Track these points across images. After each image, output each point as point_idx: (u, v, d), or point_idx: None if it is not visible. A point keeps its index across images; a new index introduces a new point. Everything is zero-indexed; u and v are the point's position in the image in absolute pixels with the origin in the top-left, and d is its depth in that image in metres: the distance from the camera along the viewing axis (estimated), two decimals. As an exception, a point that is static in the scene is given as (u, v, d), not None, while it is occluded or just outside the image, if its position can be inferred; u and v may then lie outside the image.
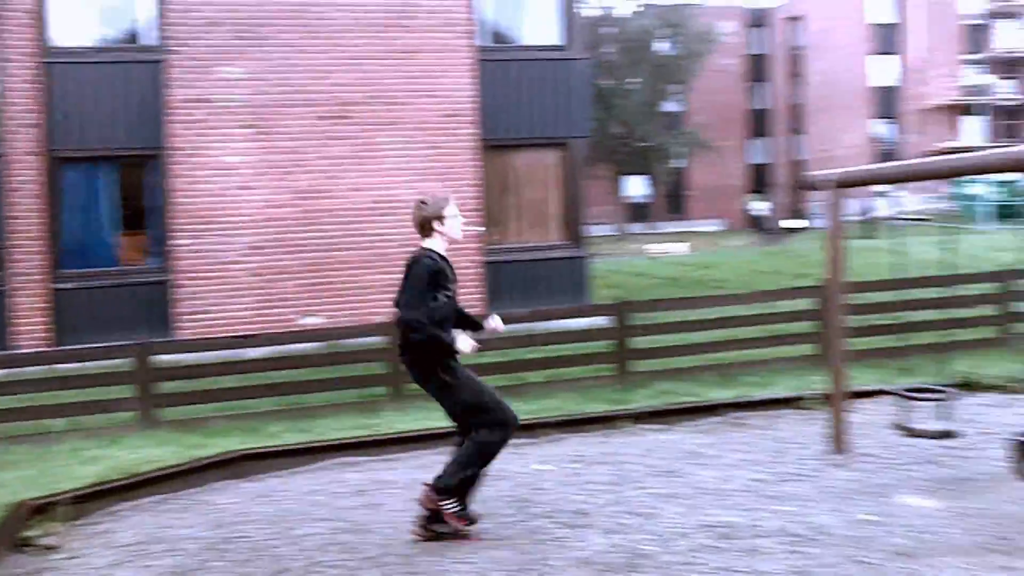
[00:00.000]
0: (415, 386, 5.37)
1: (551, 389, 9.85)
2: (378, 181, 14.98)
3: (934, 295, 10.87)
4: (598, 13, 47.75)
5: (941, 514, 5.43)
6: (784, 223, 57.69)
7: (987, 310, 11.48)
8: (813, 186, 6.62)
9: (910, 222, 48.84)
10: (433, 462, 6.30)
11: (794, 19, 58.46)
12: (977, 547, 4.88)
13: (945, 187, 49.74)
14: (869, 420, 7.52)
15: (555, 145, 16.13)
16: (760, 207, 47.69)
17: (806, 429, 7.65)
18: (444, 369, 5.13)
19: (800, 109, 58.15)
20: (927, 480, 6.11)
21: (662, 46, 49.06)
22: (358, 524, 5.74)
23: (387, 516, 5.86)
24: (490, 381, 5.81)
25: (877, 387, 8.43)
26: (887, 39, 52.53)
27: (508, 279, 15.54)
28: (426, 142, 15.21)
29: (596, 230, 46.00)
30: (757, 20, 60.92)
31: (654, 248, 38.68)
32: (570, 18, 16.14)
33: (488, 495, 5.80)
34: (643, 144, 48.09)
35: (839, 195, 6.39)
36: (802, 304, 11.09)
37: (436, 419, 6.82)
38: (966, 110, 52.28)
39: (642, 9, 48.26)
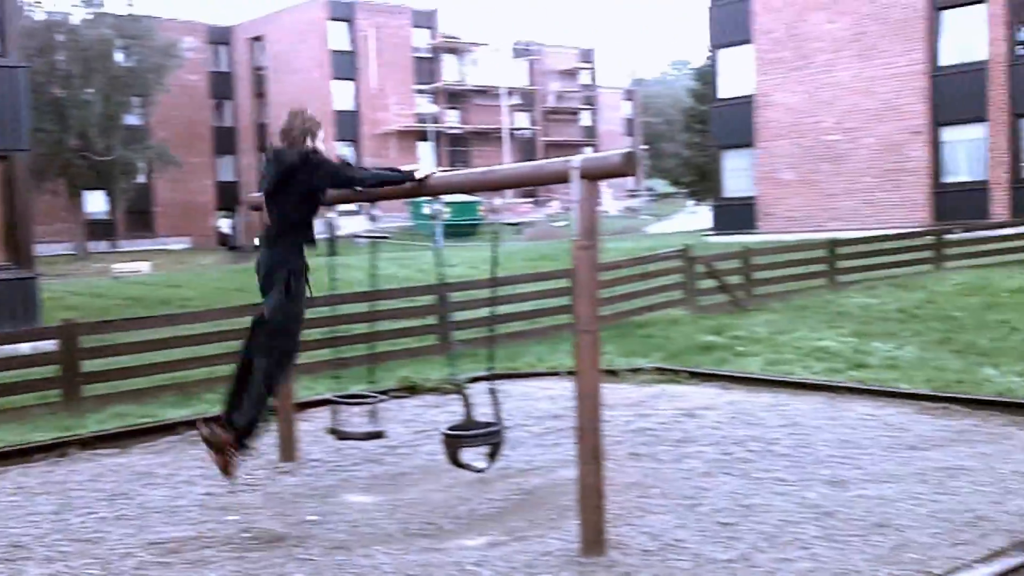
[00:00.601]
0: None
1: (-7, 421, 9.13)
2: None
3: (388, 307, 11.71)
4: (45, 19, 44.63)
5: (378, 508, 5.93)
6: (256, 240, 58.17)
7: (430, 320, 12.60)
8: (253, 206, 6.88)
9: (372, 240, 51.86)
10: None
11: (256, 39, 59.16)
12: (406, 534, 5.42)
13: (405, 207, 53.37)
14: (317, 428, 7.94)
15: (-6, 158, 14.87)
16: (228, 225, 47.59)
17: (260, 441, 7.87)
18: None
19: (265, 128, 58.93)
20: (367, 478, 6.62)
21: (120, 58, 47.05)
22: None
23: None
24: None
25: (326, 396, 8.90)
26: (345, 65, 55.11)
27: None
28: None
29: (52, 249, 43.11)
30: (220, 38, 60.72)
31: (120, 267, 37.02)
32: (5, 23, 14.96)
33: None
34: (103, 158, 45.70)
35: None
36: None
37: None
38: (421, 136, 56.51)
39: (91, 17, 45.78)
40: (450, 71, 60.81)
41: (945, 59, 27.15)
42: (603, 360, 10.99)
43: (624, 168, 4.72)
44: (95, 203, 52.52)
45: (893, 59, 27.55)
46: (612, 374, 9.90)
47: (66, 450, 7.78)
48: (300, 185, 5.59)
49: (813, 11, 29.23)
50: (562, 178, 4.89)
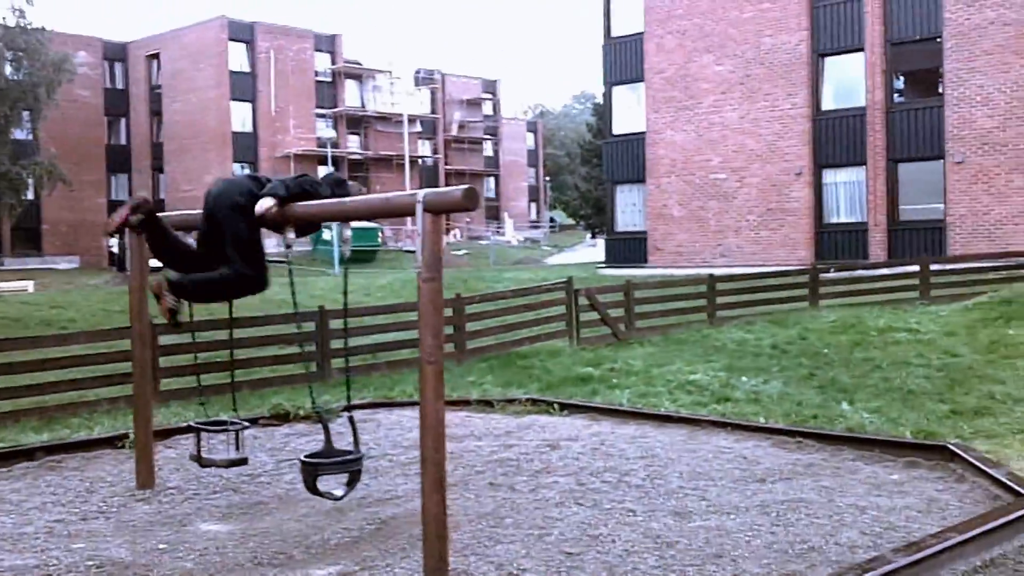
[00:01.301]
0: None
1: None
2: None
3: (269, 332, 11.61)
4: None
5: (231, 536, 5.90)
6: (152, 263, 56.91)
7: (310, 347, 12.55)
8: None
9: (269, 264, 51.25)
10: None
11: (153, 56, 58.15)
12: (256, 563, 5.41)
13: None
14: (181, 455, 7.86)
15: None
16: (117, 244, 46.45)
17: (121, 468, 7.76)
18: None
19: (161, 148, 57.86)
20: (224, 506, 6.58)
21: (8, 70, 45.68)
22: None
23: None
24: None
25: (188, 423, 8.81)
26: (243, 86, 54.50)
27: None
28: None
29: (-72, 266, 41.44)
30: (116, 54, 59.49)
31: (2, 286, 35.81)
32: None
33: None
34: (-9, 173, 44.19)
35: (143, 240, 6.65)
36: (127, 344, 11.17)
37: None
38: (321, 160, 56.13)
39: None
40: (352, 96, 60.64)
41: (827, 103, 28.23)
42: (479, 390, 11.16)
43: (464, 203, 4.86)
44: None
45: (777, 102, 28.52)
46: (487, 404, 10.03)
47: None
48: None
49: (702, 53, 30.08)
50: (409, 211, 5.00)
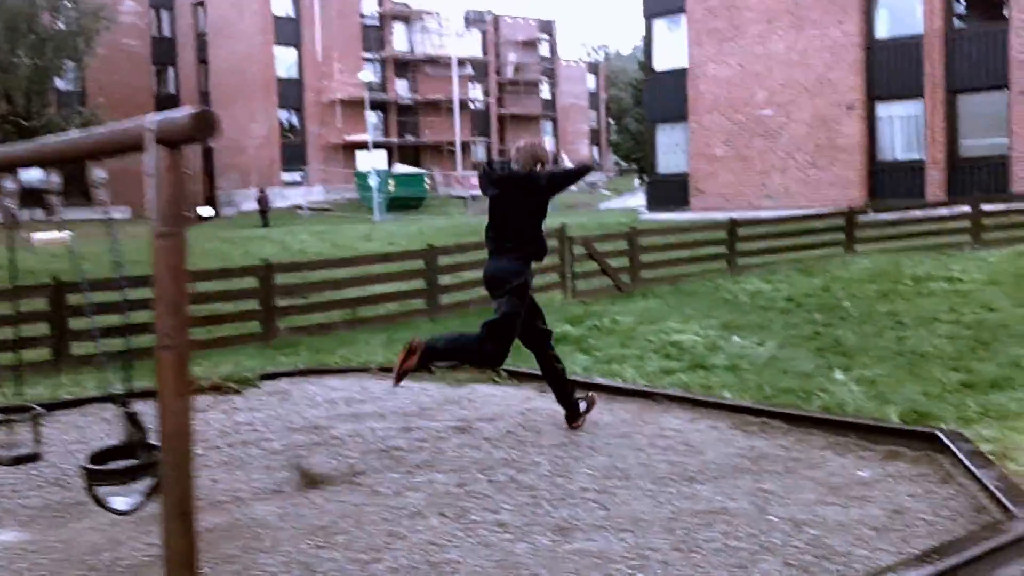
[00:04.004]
0: None
1: None
2: None
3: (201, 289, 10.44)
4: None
5: (5, 550, 4.77)
6: (200, 211, 56.56)
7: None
8: None
9: (315, 212, 50.46)
10: None
11: (199, 3, 57.29)
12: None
13: (352, 178, 51.98)
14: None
15: None
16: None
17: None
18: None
19: (208, 96, 57.19)
20: (38, 507, 5.46)
21: (50, 20, 45.20)
22: None
23: None
24: None
25: None
26: (288, 31, 53.40)
27: None
28: None
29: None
30: (162, 2, 58.83)
31: (41, 237, 35.40)
32: None
33: None
34: (32, 123, 43.92)
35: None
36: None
37: None
38: (369, 105, 54.96)
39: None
40: (399, 40, 59.16)
41: (881, 31, 26.04)
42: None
43: (191, 132, 3.51)
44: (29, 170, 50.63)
45: (827, 30, 26.40)
46: (430, 372, 8.74)
47: None
48: (530, 201, 6.21)
49: (746, -22, 28.02)
50: (138, 144, 3.67)
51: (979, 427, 6.17)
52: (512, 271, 6.20)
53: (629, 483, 5.39)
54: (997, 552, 4.10)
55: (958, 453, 5.41)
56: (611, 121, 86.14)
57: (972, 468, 5.14)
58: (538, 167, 6.27)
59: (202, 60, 57.73)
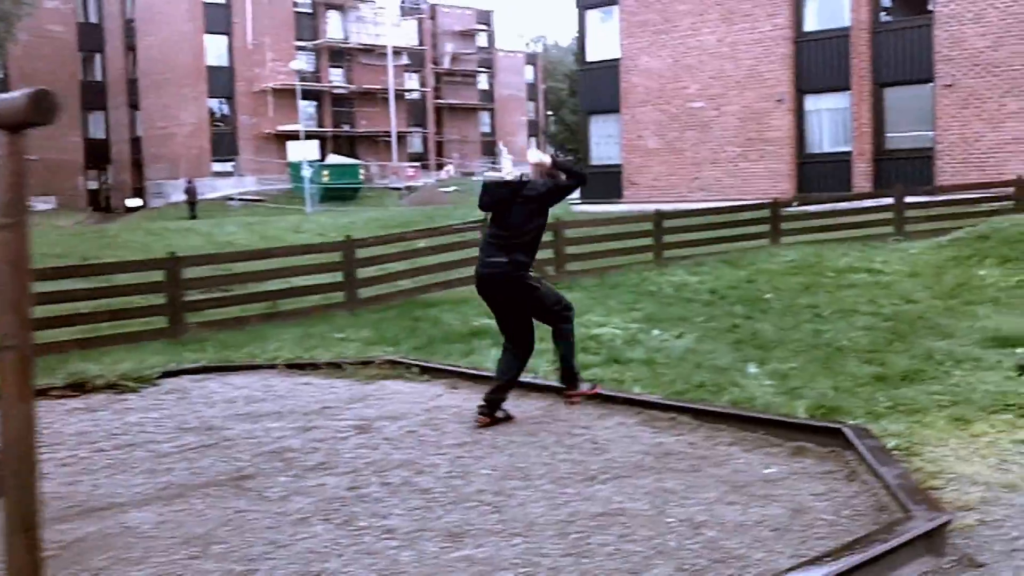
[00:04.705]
0: None
1: None
2: None
3: (105, 284, 10.07)
4: None
5: None
6: (128, 202, 55.38)
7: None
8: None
9: (246, 203, 49.63)
10: None
11: (126, -10, 56.05)
12: None
13: (285, 169, 51.21)
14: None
15: None
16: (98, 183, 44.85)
17: None
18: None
19: (136, 83, 55.98)
20: None
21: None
22: None
23: None
24: None
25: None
26: (219, 18, 52.39)
27: None
28: None
29: None
30: (89, -13, 57.49)
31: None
32: None
33: None
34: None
35: None
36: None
37: None
38: (302, 95, 54.18)
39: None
40: (334, 28, 58.39)
41: (809, 24, 26.19)
42: (340, 348, 9.58)
43: (30, 115, 3.22)
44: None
45: (757, 23, 26.48)
46: (336, 367, 8.49)
47: None
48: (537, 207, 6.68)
49: (677, -30, 28.00)
50: (-30, 127, 3.37)
51: (887, 422, 6.08)
52: (524, 264, 6.60)
53: (528, 484, 5.20)
54: (891, 554, 3.98)
55: (861, 450, 5.31)
56: (549, 112, 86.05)
57: (875, 466, 5.04)
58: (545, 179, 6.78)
59: (130, 47, 56.44)
